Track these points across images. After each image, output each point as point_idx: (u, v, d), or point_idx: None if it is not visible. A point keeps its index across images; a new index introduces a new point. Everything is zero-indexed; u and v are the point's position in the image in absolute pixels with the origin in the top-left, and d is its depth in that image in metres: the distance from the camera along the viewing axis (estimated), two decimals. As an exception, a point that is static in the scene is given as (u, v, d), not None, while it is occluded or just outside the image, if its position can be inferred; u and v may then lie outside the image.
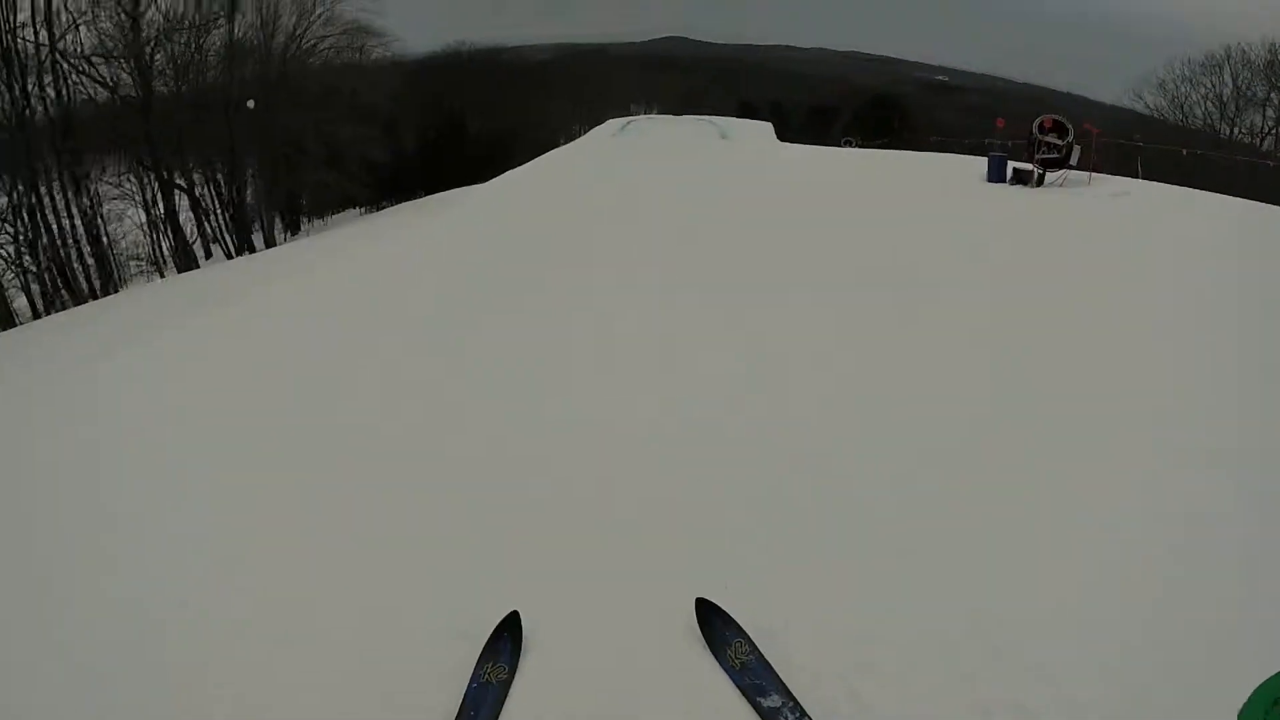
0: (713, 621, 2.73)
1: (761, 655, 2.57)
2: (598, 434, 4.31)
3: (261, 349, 6.54)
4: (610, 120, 38.94)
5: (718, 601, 2.76)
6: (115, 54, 21.24)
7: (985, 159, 14.33)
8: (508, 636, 2.73)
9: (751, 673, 2.53)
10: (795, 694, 2.42)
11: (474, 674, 2.58)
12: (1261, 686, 0.63)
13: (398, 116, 30.25)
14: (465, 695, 2.50)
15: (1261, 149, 24.45)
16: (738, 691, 2.50)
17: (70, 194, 20.61)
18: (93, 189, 21.10)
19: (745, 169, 19.60)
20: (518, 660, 2.67)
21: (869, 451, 3.97)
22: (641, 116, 42.89)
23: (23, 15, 19.28)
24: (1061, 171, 12.68)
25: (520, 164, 24.30)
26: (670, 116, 43.70)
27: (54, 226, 20.17)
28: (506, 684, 2.57)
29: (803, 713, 2.34)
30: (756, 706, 2.42)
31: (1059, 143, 12.64)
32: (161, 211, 23.11)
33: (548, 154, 25.23)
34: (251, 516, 3.66)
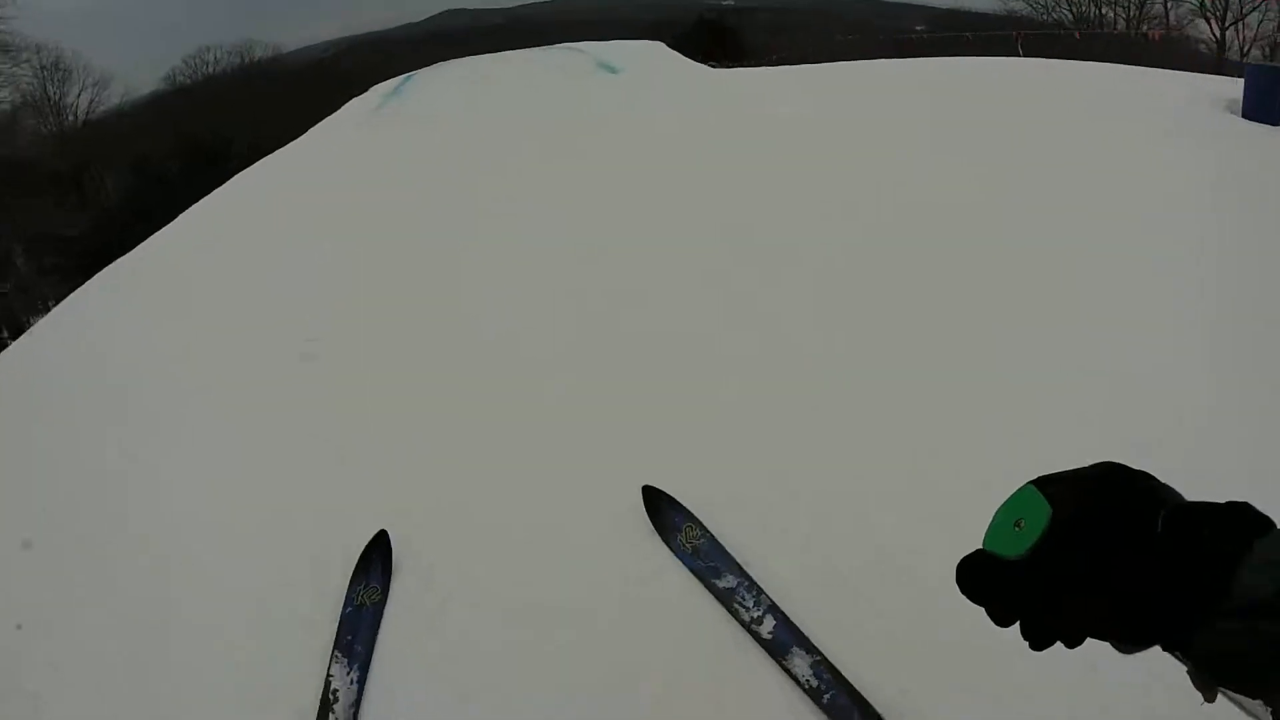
0: (661, 508, 2.67)
1: (714, 538, 2.54)
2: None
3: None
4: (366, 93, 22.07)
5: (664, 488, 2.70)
6: None
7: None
8: (376, 558, 2.67)
9: (704, 555, 2.50)
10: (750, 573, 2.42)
11: (346, 598, 2.55)
12: (1001, 507, 0.59)
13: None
14: (341, 620, 2.47)
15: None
16: (691, 575, 2.48)
17: None
18: None
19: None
20: (389, 581, 2.63)
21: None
22: (423, 71, 26.17)
23: None
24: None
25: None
26: (489, 56, 29.26)
27: None
28: (380, 605, 2.54)
29: (759, 591, 2.34)
30: (712, 589, 2.40)
31: None
32: None
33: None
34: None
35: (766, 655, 2.19)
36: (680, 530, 2.59)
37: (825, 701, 2.03)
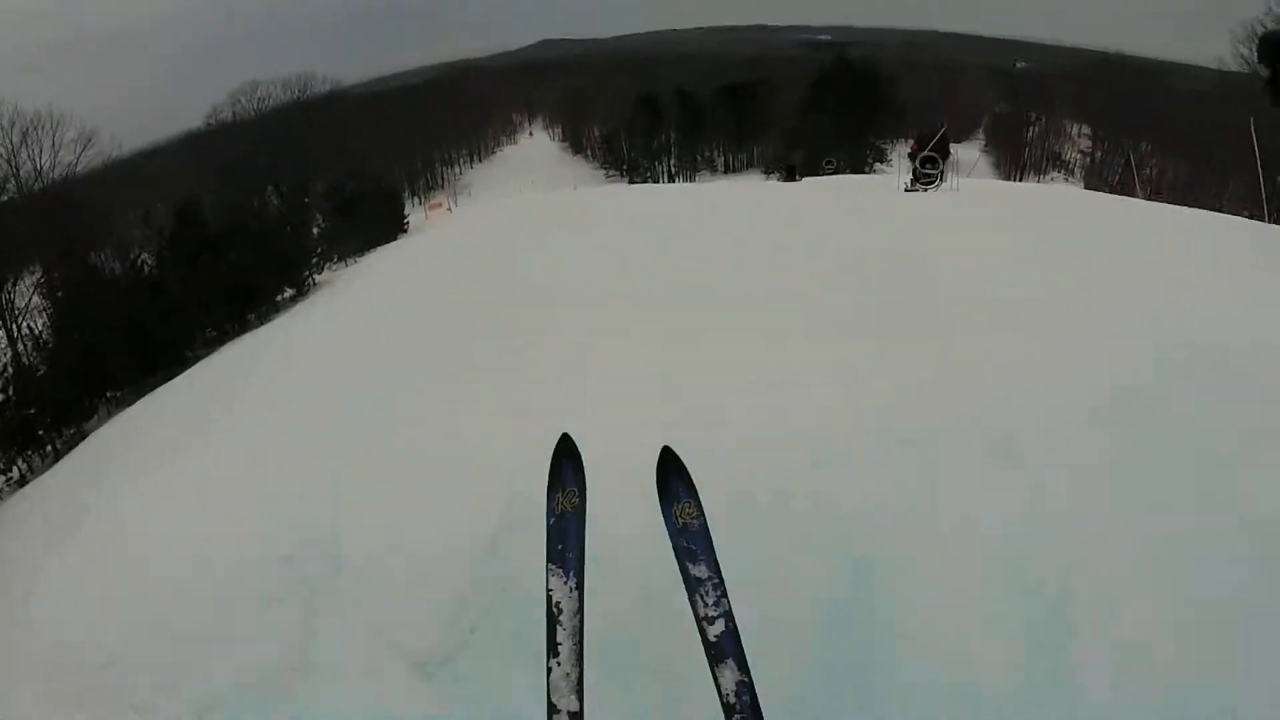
0: (670, 474, 2.75)
1: (705, 523, 2.63)
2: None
3: None
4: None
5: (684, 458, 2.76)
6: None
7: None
8: (566, 463, 2.65)
9: (689, 536, 2.60)
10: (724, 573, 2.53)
11: (548, 510, 2.55)
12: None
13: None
14: (548, 532, 2.49)
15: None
16: (671, 550, 2.61)
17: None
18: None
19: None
20: (584, 480, 2.63)
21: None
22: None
23: None
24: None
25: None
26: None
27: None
28: (581, 508, 2.56)
29: (724, 594, 2.47)
30: (684, 571, 2.52)
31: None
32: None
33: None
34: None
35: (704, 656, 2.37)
36: (680, 501, 2.68)
37: (735, 720, 2.23)
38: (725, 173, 54.83)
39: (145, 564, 4.47)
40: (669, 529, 2.62)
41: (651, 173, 56.43)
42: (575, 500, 2.58)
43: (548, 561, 2.46)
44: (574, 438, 2.70)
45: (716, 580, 2.49)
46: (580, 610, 2.37)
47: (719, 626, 2.40)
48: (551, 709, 2.21)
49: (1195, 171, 37.55)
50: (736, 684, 2.28)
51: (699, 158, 57.61)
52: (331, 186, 36.64)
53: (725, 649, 2.35)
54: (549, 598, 2.39)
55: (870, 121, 41.21)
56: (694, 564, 2.52)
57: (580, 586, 2.42)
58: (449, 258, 11.80)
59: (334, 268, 23.53)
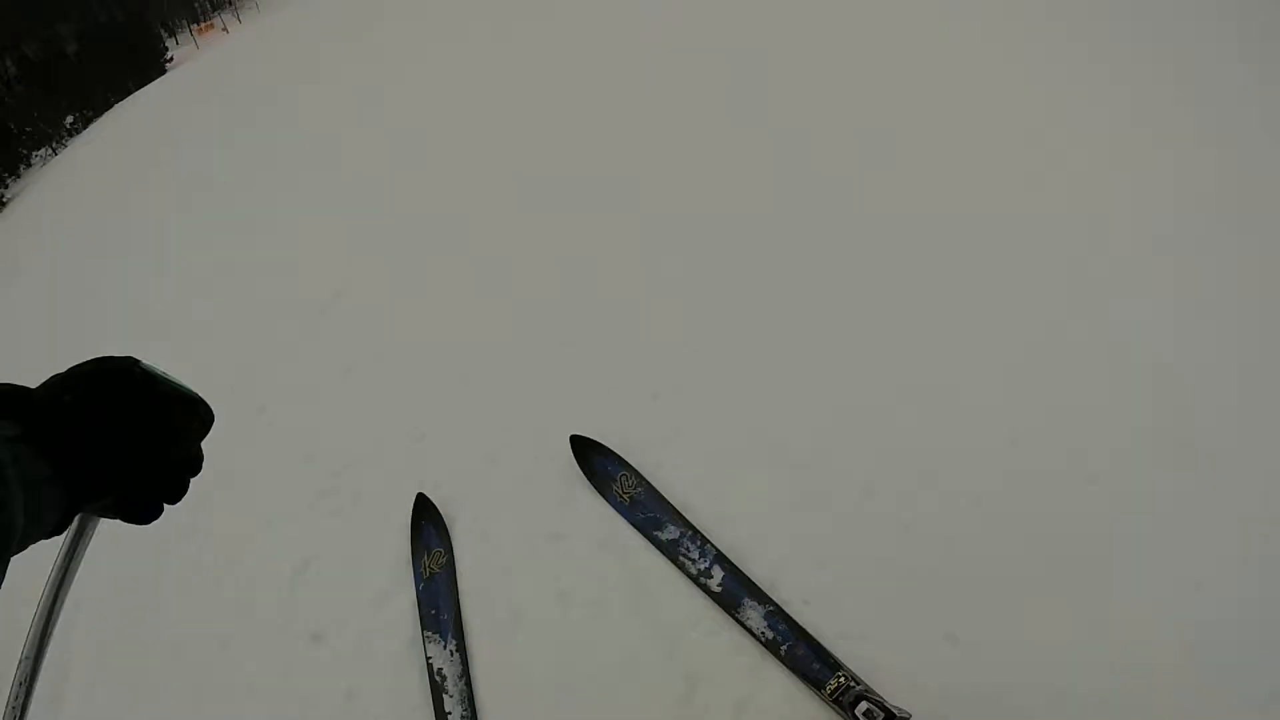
0: (591, 458, 2.48)
1: (651, 486, 2.37)
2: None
3: None
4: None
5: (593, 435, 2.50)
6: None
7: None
8: (425, 523, 2.51)
9: (643, 506, 2.33)
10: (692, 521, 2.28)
11: (415, 576, 2.39)
12: None
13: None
14: (418, 599, 2.32)
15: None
16: (632, 528, 2.32)
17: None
18: None
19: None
20: (448, 538, 2.48)
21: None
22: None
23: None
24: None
25: None
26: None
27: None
28: (450, 565, 2.39)
29: (705, 541, 2.21)
30: (655, 541, 2.25)
31: None
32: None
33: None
34: None
35: (719, 608, 2.10)
36: (615, 480, 2.42)
37: (783, 653, 1.95)
38: None
39: None
40: (618, 510, 2.35)
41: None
42: (443, 560, 2.41)
43: (423, 630, 2.24)
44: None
45: (690, 532, 2.23)
46: (465, 673, 2.11)
47: (718, 574, 2.13)
48: None
49: None
50: (766, 616, 2.01)
51: None
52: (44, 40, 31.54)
53: (735, 591, 2.08)
54: (429, 667, 2.14)
55: None
56: (660, 529, 2.26)
57: (461, 649, 2.17)
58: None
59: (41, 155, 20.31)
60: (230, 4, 54.52)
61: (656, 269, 3.51)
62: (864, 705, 1.73)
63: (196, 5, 54.46)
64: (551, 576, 2.26)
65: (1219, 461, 2.01)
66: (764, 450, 2.43)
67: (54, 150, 20.35)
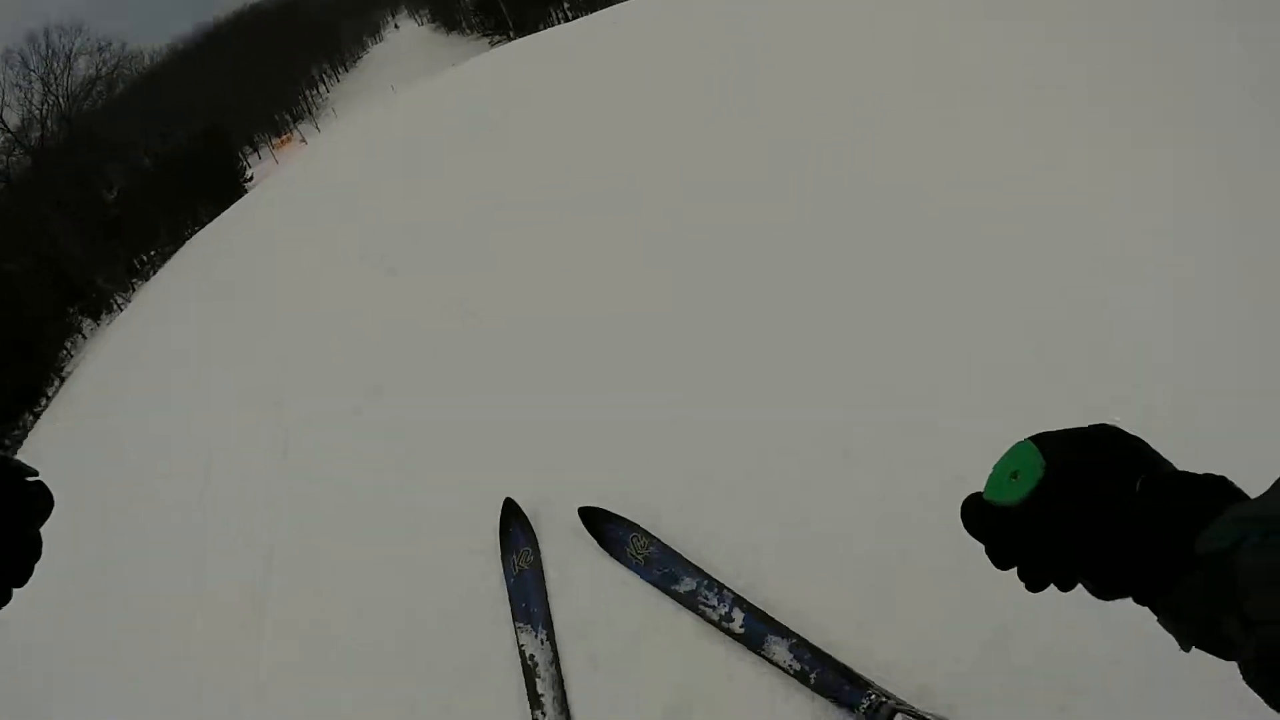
0: (602, 526, 2.58)
1: (662, 544, 2.48)
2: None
3: None
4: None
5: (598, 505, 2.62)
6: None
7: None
8: (514, 525, 2.75)
9: (658, 564, 2.44)
10: (707, 570, 2.39)
11: (505, 572, 2.63)
12: (1000, 460, 0.68)
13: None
14: (510, 593, 2.56)
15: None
16: (650, 586, 2.42)
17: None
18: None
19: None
20: (534, 537, 2.72)
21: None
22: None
23: None
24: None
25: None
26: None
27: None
28: (537, 564, 2.62)
29: (721, 587, 2.31)
30: (673, 595, 2.35)
31: None
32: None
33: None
34: None
35: (745, 648, 2.19)
36: (628, 544, 2.52)
37: (813, 681, 2.03)
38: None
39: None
40: (635, 570, 2.45)
41: (545, 21, 38.70)
42: (530, 558, 2.62)
43: (514, 621, 2.47)
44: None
45: (707, 581, 2.34)
46: (556, 660, 2.32)
47: (738, 616, 2.23)
48: None
49: None
50: (791, 649, 2.11)
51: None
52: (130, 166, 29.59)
53: (758, 629, 2.18)
54: (522, 653, 2.36)
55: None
56: (678, 583, 2.37)
57: (551, 638, 2.38)
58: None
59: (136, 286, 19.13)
60: (309, 114, 53.64)
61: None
62: (899, 718, 1.82)
63: (276, 118, 52.54)
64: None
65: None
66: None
67: (119, 306, 19.14)
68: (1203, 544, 0.56)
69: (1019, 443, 0.68)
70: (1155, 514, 0.60)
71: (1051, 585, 0.65)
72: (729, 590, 2.30)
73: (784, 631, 2.16)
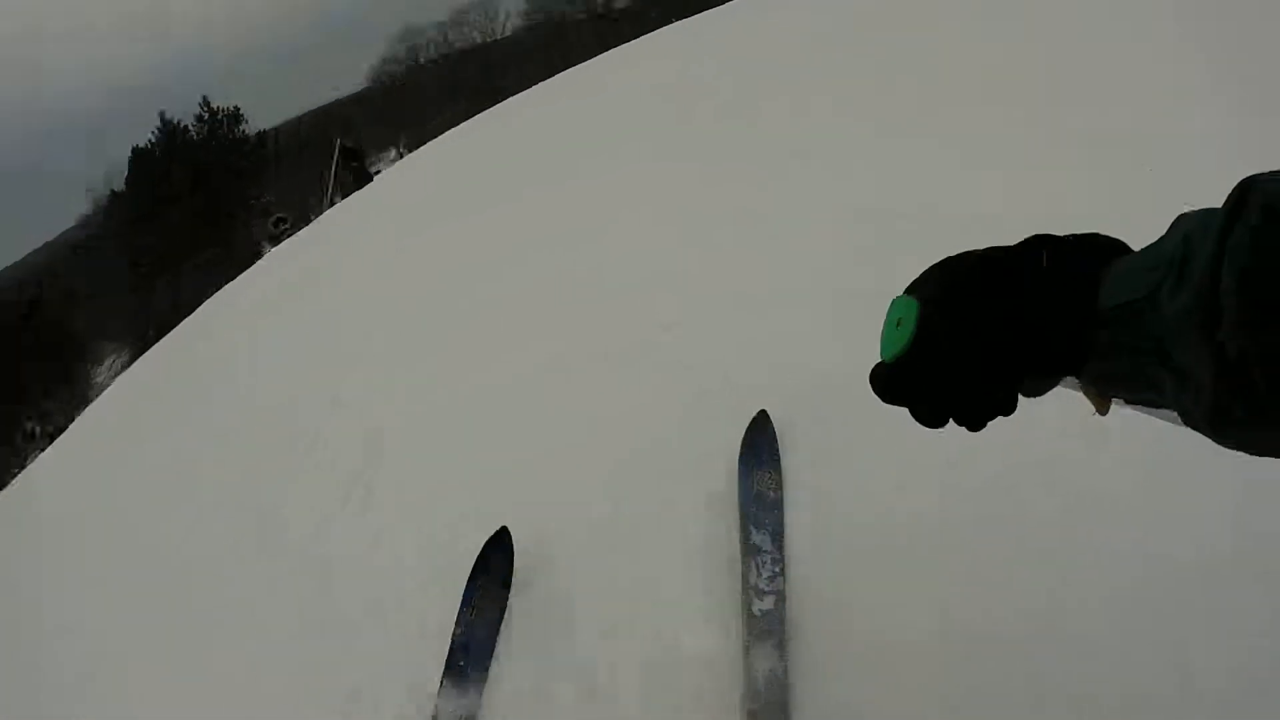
0: (757, 438, 2.52)
1: (781, 498, 2.38)
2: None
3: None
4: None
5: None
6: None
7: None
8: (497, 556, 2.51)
9: (763, 504, 2.36)
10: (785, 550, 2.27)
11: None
12: (885, 321, 0.66)
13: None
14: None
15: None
16: (736, 510, 2.37)
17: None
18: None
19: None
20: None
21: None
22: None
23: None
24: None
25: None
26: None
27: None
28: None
29: (782, 573, 2.20)
30: (746, 536, 2.29)
31: None
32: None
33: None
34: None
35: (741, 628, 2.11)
36: (762, 469, 2.45)
37: (751, 708, 1.93)
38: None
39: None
40: (742, 490, 2.41)
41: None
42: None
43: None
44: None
45: (777, 556, 2.25)
46: None
47: (767, 603, 2.14)
48: None
49: None
50: (768, 671, 2.00)
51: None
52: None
53: (767, 628, 2.08)
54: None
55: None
56: (759, 531, 2.30)
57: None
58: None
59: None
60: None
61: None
62: None
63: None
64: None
65: None
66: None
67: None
68: (1105, 301, 0.56)
69: (892, 301, 0.67)
70: (1060, 281, 0.59)
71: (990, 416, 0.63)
72: (783, 580, 2.19)
73: (781, 649, 2.03)
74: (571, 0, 43.69)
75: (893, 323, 0.65)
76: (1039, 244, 0.61)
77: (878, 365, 0.66)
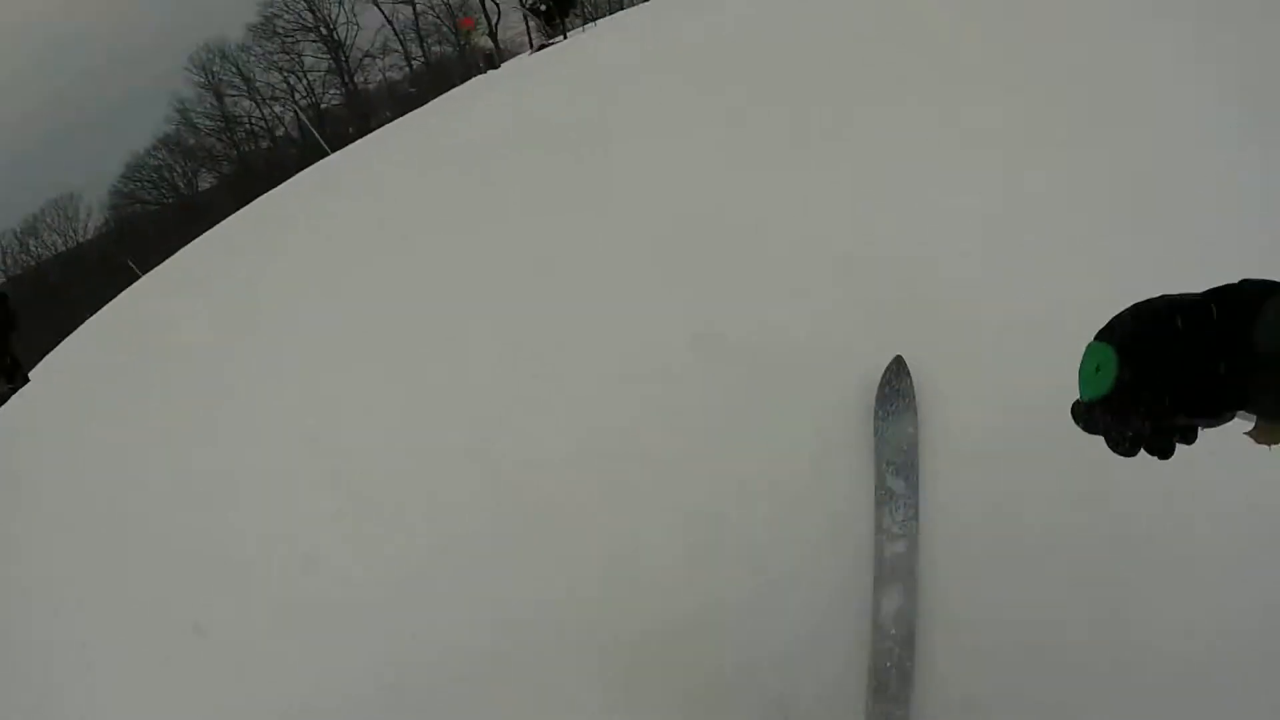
0: (893, 383, 2.52)
1: (916, 440, 2.40)
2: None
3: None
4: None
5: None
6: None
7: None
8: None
9: (899, 450, 2.40)
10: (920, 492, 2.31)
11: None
12: (1080, 367, 0.77)
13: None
14: None
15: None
16: (872, 453, 2.43)
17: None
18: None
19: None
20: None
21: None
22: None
23: None
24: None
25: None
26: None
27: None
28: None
29: (915, 517, 2.26)
30: (881, 480, 2.35)
31: None
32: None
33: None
34: None
35: (870, 569, 2.22)
36: (898, 413, 2.47)
37: (887, 664, 2.03)
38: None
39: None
40: (877, 435, 2.44)
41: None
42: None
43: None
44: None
45: (911, 500, 2.30)
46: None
47: (899, 546, 2.22)
48: None
49: None
50: (896, 611, 2.11)
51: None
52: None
53: (899, 569, 2.17)
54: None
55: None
56: (894, 476, 2.35)
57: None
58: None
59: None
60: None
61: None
62: None
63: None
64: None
65: None
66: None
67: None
68: (1264, 345, 0.64)
69: (1086, 347, 0.75)
70: (1232, 327, 0.66)
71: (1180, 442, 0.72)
72: (917, 525, 2.24)
73: (911, 589, 2.12)
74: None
75: (1091, 367, 0.74)
76: (1212, 294, 0.69)
77: (1077, 402, 0.75)
